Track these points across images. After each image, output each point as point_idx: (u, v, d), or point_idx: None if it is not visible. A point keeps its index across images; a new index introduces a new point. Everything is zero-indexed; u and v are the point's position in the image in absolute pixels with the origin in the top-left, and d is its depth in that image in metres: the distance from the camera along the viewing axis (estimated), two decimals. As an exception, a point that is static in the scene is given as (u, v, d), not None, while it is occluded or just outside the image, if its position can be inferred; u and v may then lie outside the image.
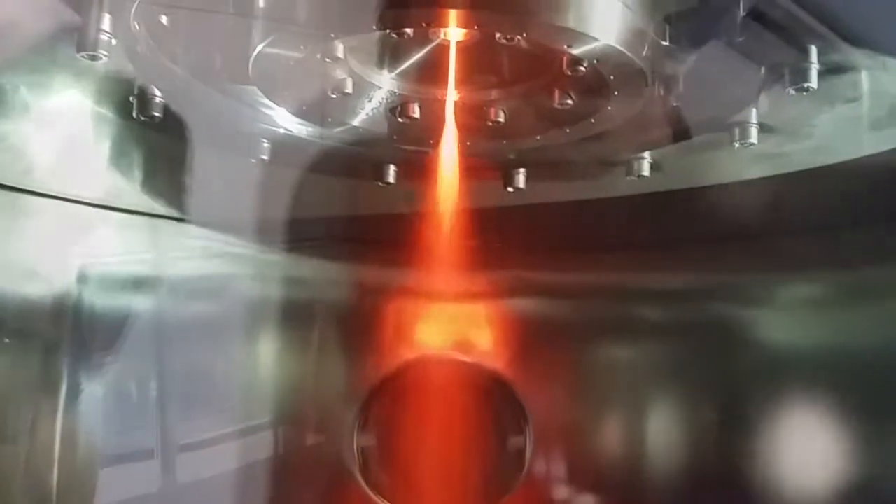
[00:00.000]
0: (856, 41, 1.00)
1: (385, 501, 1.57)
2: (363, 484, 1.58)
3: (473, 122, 1.15)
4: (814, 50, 1.01)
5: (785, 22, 0.98)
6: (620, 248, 1.51)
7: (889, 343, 1.34)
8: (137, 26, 1.00)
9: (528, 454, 1.60)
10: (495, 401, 1.59)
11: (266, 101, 1.13)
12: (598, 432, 1.62)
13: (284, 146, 1.23)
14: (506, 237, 1.39)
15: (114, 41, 0.98)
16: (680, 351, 1.55)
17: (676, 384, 1.56)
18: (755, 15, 0.97)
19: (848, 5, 0.97)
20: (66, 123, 1.21)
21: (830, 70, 1.03)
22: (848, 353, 1.38)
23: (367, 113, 1.16)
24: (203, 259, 1.47)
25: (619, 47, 0.99)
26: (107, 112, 1.18)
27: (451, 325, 1.59)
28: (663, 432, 1.57)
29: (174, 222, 1.41)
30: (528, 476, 1.60)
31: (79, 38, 0.97)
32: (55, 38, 1.00)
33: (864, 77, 1.05)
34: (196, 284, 1.46)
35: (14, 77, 1.11)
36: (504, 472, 1.60)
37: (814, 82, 1.02)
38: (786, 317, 1.49)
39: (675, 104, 1.10)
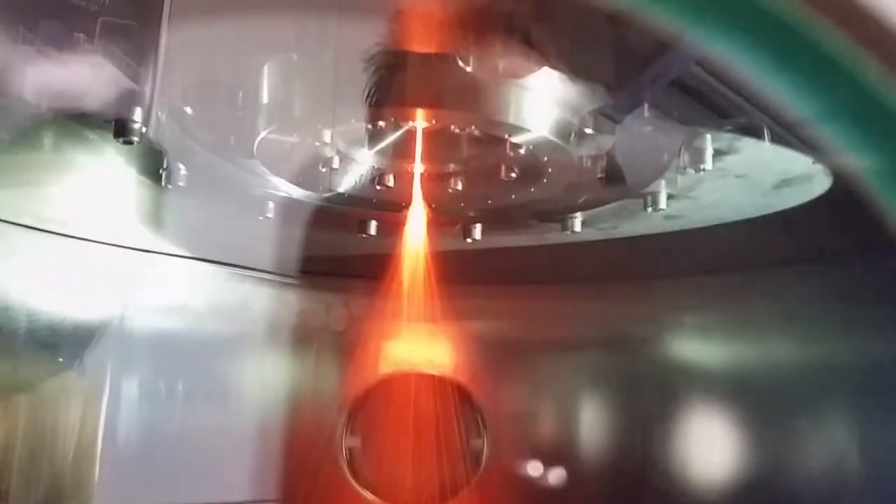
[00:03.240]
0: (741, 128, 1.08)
1: (368, 492, 1.65)
2: (350, 477, 1.65)
3: (437, 189, 1.23)
4: (708, 137, 1.10)
5: (684, 113, 1.07)
6: (557, 283, 1.59)
7: (773, 364, 1.43)
8: (164, 116, 1.09)
9: (485, 452, 1.69)
10: (459, 408, 1.66)
11: (269, 173, 1.21)
12: (543, 432, 1.71)
13: (286, 207, 1.31)
14: (466, 275, 1.44)
15: (145, 129, 1.07)
16: (607, 366, 1.64)
17: (604, 393, 1.65)
18: (659, 110, 1.06)
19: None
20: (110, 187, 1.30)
21: (720, 153, 1.11)
22: (741, 370, 1.47)
23: (351, 182, 1.24)
24: (218, 293, 1.55)
25: (550, 137, 1.08)
26: (143, 179, 1.26)
27: (421, 345, 1.66)
28: (595, 430, 1.66)
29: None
30: (485, 471, 1.68)
31: (115, 127, 1.06)
32: (114, 104, 1.04)
33: (748, 160, 1.13)
34: (215, 312, 1.54)
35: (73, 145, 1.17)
36: (465, 468, 1.67)
37: (709, 163, 1.10)
38: (692, 340, 1.58)
39: (598, 177, 1.18)
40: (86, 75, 1.00)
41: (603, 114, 1.09)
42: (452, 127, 1.10)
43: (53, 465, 1.42)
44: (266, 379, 1.63)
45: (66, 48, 0.97)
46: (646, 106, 1.07)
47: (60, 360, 1.39)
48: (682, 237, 1.36)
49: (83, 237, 1.39)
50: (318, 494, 1.51)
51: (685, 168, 1.12)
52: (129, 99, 1.04)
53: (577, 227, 1.32)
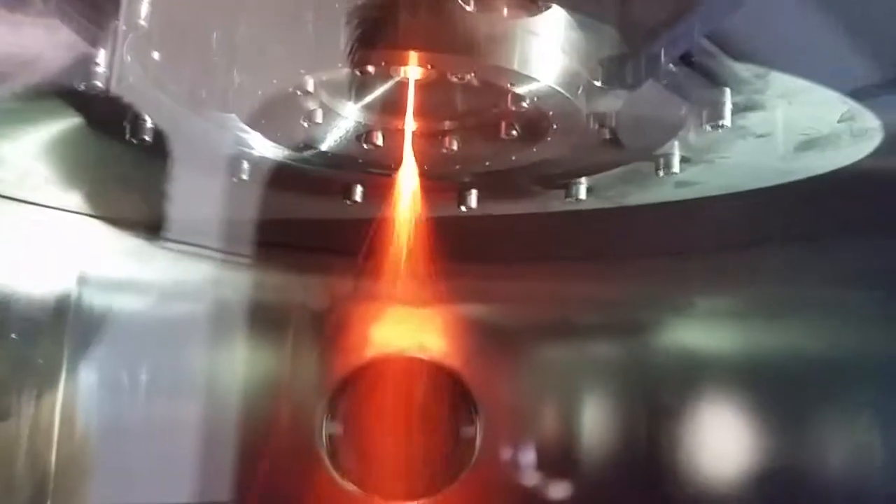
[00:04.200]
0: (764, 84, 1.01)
1: (350, 484, 1.57)
2: (331, 468, 1.57)
3: (430, 150, 1.16)
4: (727, 91, 1.03)
5: (703, 67, 1.00)
6: (558, 260, 1.52)
7: (789, 350, 1.36)
8: (130, 59, 1.01)
9: (478, 442, 1.62)
10: (450, 395, 1.60)
11: (245, 127, 1.12)
12: (541, 423, 1.64)
13: (262, 167, 1.23)
14: (459, 250, 1.37)
15: (109, 73, 0.99)
16: (611, 352, 1.57)
17: (608, 381, 1.58)
18: (677, 61, 0.99)
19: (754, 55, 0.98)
20: (66, 146, 1.21)
21: (741, 110, 1.05)
22: (755, 357, 1.40)
23: (335, 139, 1.16)
24: (188, 267, 1.45)
25: (556, 87, 1.00)
26: (103, 135, 1.17)
27: (411, 327, 1.59)
28: (598, 422, 1.58)
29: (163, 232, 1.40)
30: (478, 461, 1.61)
31: (83, 67, 0.98)
32: (70, 69, 0.99)
33: (770, 118, 1.07)
34: (183, 288, 1.45)
35: (23, 104, 1.10)
36: (456, 458, 1.60)
37: (728, 120, 1.03)
38: (703, 324, 1.51)
39: (607, 137, 1.11)
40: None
41: (616, 73, 1.02)
42: (449, 75, 1.01)
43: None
44: (237, 365, 1.55)
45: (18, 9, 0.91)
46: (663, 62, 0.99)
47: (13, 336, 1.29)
48: (694, 208, 1.28)
49: (32, 201, 1.29)
50: (296, 487, 1.43)
51: (702, 125, 1.05)
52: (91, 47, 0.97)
53: (582, 193, 1.25)
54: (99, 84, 1.00)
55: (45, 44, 0.96)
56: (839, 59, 0.97)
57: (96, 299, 1.39)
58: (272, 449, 1.51)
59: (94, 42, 0.96)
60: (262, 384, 1.57)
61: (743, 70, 1.00)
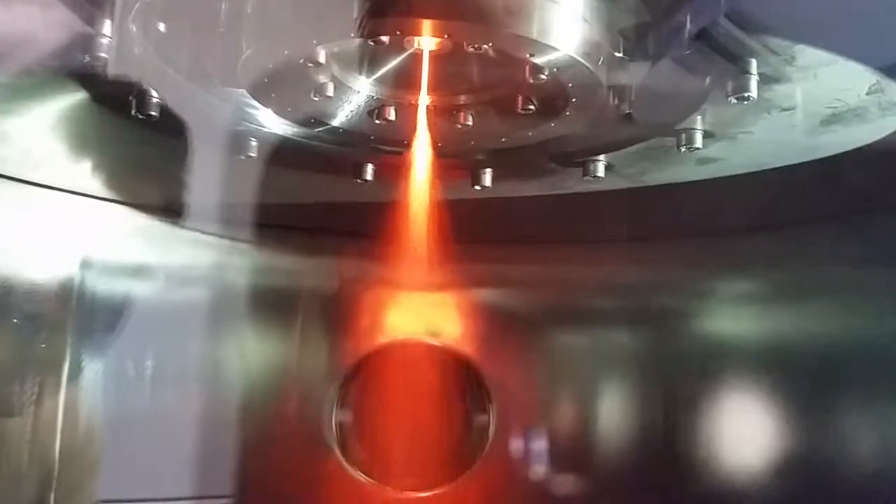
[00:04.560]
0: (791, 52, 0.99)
1: (360, 473, 1.54)
2: (340, 456, 1.54)
3: (444, 125, 1.13)
4: (754, 63, 0.99)
5: (728, 38, 0.97)
6: (574, 243, 1.49)
7: (816, 335, 1.33)
8: (136, 30, 0.98)
9: (491, 431, 1.58)
10: (462, 382, 1.57)
11: (253, 102, 1.10)
12: (556, 411, 1.60)
13: (270, 144, 1.20)
14: (473, 231, 1.35)
15: (115, 44, 0.96)
16: (630, 338, 1.54)
17: (627, 369, 1.55)
18: (702, 32, 0.96)
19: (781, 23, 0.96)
20: (71, 122, 1.18)
21: (768, 81, 1.01)
22: (780, 343, 1.37)
23: (346, 114, 1.14)
24: (195, 249, 1.43)
25: (577, 57, 0.98)
26: (108, 111, 1.14)
27: (423, 312, 1.56)
28: (616, 411, 1.55)
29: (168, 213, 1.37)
30: (491, 451, 1.58)
31: (84, 43, 0.96)
32: (68, 47, 0.98)
33: (797, 89, 1.04)
34: (189, 272, 1.43)
35: (23, 80, 1.08)
36: (469, 447, 1.57)
37: (754, 92, 1.00)
38: (726, 309, 1.47)
39: (627, 111, 1.08)
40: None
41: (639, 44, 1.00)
42: (465, 45, 0.99)
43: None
44: (244, 351, 1.52)
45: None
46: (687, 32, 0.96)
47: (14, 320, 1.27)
48: (715, 187, 1.25)
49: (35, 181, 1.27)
50: (305, 477, 1.40)
51: (727, 97, 1.02)
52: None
53: (601, 171, 1.22)
54: (104, 55, 0.97)
55: (40, 22, 0.95)
56: (869, 31, 0.94)
57: (100, 283, 1.36)
58: (280, 437, 1.49)
59: (91, 20, 0.95)
60: (270, 371, 1.54)
61: (769, 42, 0.97)
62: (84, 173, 1.29)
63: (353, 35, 0.96)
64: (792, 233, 1.34)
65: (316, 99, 1.08)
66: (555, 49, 0.96)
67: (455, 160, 1.22)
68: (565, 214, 1.41)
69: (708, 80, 1.03)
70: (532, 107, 1.09)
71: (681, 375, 1.48)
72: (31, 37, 0.96)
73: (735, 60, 0.99)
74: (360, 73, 1.09)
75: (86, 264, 1.35)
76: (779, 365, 1.37)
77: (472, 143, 1.19)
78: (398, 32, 0.98)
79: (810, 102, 1.07)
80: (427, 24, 0.96)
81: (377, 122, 1.13)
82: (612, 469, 1.53)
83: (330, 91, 1.07)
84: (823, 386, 1.32)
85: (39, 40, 0.97)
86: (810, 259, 1.34)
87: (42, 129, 1.18)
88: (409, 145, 1.13)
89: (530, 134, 1.16)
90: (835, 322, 1.32)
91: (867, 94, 1.04)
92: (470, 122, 1.13)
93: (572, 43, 0.97)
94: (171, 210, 1.36)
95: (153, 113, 1.10)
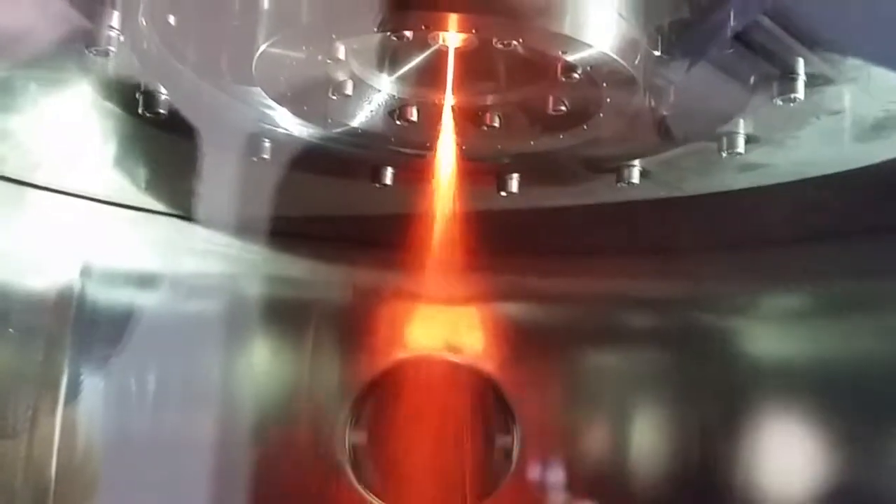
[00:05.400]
0: (841, 50, 0.95)
1: (374, 498, 1.52)
2: (353, 480, 1.52)
3: (469, 127, 1.10)
4: (801, 62, 0.96)
5: (773, 37, 0.94)
6: (607, 255, 1.46)
7: (864, 355, 1.29)
8: (145, 23, 0.96)
9: (515, 453, 1.56)
10: (484, 401, 1.55)
11: (268, 101, 1.07)
12: (583, 434, 1.57)
13: (285, 146, 1.17)
14: (498, 241, 1.31)
15: (122, 37, 0.94)
16: (664, 358, 1.51)
17: (660, 390, 1.51)
18: (745, 30, 0.93)
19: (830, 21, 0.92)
20: (74, 120, 1.16)
21: (816, 82, 0.98)
22: (826, 364, 1.33)
23: (366, 115, 1.11)
24: (203, 258, 1.40)
25: (612, 55, 0.94)
26: (114, 108, 1.12)
27: (443, 326, 1.54)
28: (647, 435, 1.52)
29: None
30: (515, 474, 1.55)
31: (89, 35, 0.93)
32: (67, 41, 0.95)
33: (848, 90, 1.00)
34: (196, 282, 1.40)
35: (24, 75, 1.06)
36: (492, 470, 1.55)
37: (801, 93, 0.97)
38: (767, 327, 1.44)
39: (665, 113, 1.06)
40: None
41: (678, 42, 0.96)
42: (494, 41, 0.95)
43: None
44: (253, 367, 1.49)
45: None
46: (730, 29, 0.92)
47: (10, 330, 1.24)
48: (757, 196, 1.22)
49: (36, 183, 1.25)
50: (317, 499, 1.37)
51: (773, 99, 0.98)
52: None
53: (635, 177, 1.18)
54: (112, 49, 0.94)
55: (38, 16, 0.93)
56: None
57: (101, 292, 1.34)
58: (291, 459, 1.46)
59: (90, 14, 0.92)
60: (280, 389, 1.52)
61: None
62: (86, 175, 1.28)
63: (374, 30, 0.94)
64: (839, 245, 1.30)
65: (334, 98, 1.05)
66: (589, 46, 0.93)
67: (480, 164, 1.19)
68: (596, 224, 1.37)
69: (752, 80, 0.99)
70: (563, 108, 1.06)
71: (718, 397, 1.44)
72: (32, 29, 0.95)
73: (780, 61, 0.97)
74: (381, 71, 1.06)
75: (86, 272, 1.33)
76: (824, 386, 1.33)
77: (499, 146, 1.16)
78: (423, 27, 0.94)
79: (860, 105, 1.03)
80: (453, 19, 0.93)
81: (398, 123, 1.10)
82: (645, 498, 1.50)
83: (349, 90, 1.04)
84: (872, 409, 1.28)
85: (42, 33, 0.95)
86: (858, 273, 1.30)
87: (43, 128, 1.16)
88: (431, 148, 1.10)
89: (561, 137, 1.12)
90: (885, 341, 1.28)
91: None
92: (496, 124, 1.10)
93: (607, 40, 0.94)
94: (177, 215, 1.34)
95: (161, 111, 1.08)
